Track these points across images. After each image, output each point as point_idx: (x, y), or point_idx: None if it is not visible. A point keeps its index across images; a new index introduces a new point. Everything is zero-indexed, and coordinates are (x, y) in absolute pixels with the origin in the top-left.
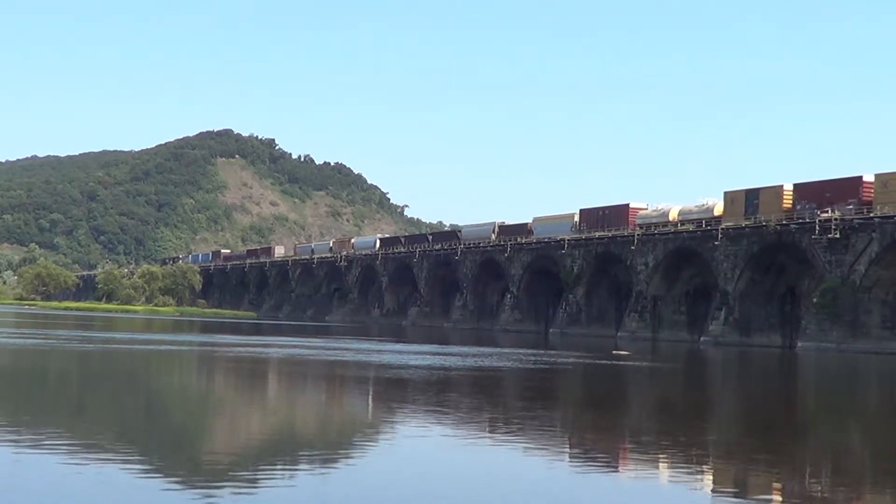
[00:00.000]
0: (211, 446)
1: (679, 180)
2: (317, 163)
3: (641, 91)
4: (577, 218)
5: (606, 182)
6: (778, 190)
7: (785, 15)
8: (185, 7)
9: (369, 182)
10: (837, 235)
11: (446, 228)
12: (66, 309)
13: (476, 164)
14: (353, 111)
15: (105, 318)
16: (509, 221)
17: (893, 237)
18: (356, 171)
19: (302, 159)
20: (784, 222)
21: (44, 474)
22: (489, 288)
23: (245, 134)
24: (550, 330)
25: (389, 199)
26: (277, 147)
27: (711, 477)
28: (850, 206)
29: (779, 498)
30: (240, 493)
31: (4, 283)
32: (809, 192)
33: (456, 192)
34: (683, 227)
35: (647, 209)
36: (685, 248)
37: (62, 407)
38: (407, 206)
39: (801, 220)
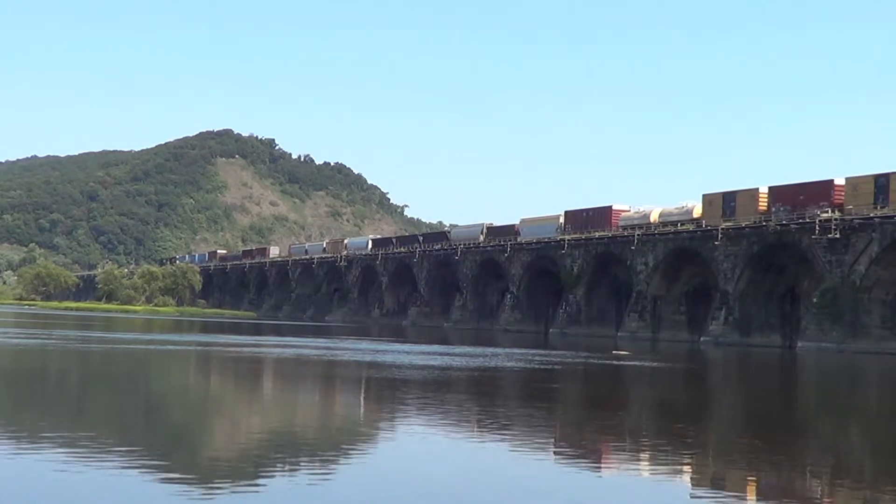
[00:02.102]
0: (211, 446)
1: (662, 183)
2: (317, 163)
3: (634, 95)
4: (562, 219)
5: (606, 183)
6: (753, 193)
7: (761, 22)
8: (185, 7)
9: (369, 182)
10: (837, 235)
11: (446, 228)
12: (66, 309)
13: (477, 164)
14: (353, 111)
15: (105, 318)
16: (498, 223)
17: (893, 237)
18: (356, 171)
19: (302, 159)
20: (784, 222)
21: (44, 474)
22: (489, 288)
23: (245, 134)
24: (550, 330)
25: (389, 199)
26: (277, 147)
27: (709, 476)
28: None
29: (779, 497)
30: (240, 493)
31: (4, 283)
32: (783, 195)
33: (456, 193)
34: (683, 227)
35: (629, 211)
36: (685, 248)
37: (62, 407)
38: (407, 206)
39: (801, 220)
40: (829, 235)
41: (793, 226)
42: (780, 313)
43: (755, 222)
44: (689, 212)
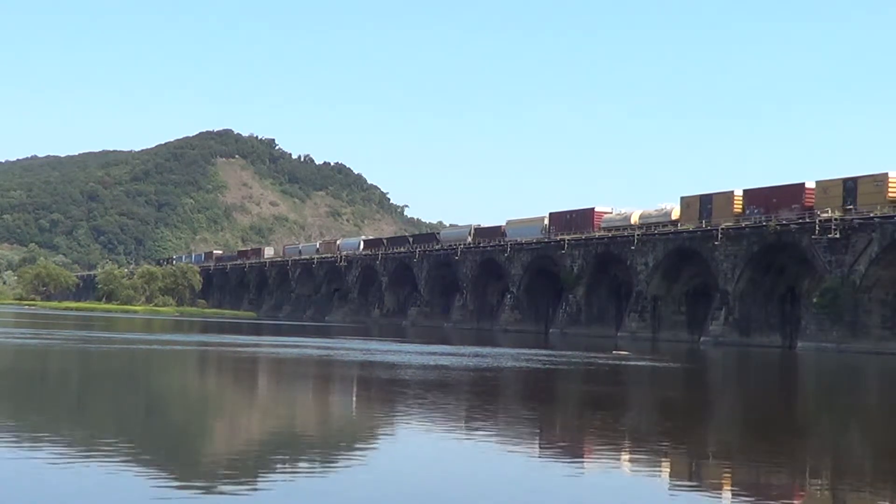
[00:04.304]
0: (211, 446)
1: (645, 184)
2: (317, 163)
3: (627, 99)
4: (546, 221)
5: (613, 184)
6: (729, 195)
7: (739, 30)
8: (185, 7)
9: (369, 182)
10: (837, 235)
11: (446, 228)
12: (66, 309)
13: (477, 164)
14: (353, 111)
15: (105, 318)
16: (496, 223)
17: (893, 237)
18: (356, 171)
19: (302, 159)
20: (784, 222)
21: (44, 474)
22: (489, 288)
23: (245, 134)
24: (550, 330)
25: (389, 199)
26: (277, 147)
27: (708, 475)
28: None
29: (778, 497)
30: (240, 493)
31: (4, 283)
32: (757, 198)
33: (456, 193)
34: (683, 227)
35: (611, 213)
36: (685, 248)
37: (62, 407)
38: (407, 206)
39: (801, 220)
40: (829, 235)
41: (793, 226)
42: (780, 313)
43: (756, 222)
44: (668, 214)
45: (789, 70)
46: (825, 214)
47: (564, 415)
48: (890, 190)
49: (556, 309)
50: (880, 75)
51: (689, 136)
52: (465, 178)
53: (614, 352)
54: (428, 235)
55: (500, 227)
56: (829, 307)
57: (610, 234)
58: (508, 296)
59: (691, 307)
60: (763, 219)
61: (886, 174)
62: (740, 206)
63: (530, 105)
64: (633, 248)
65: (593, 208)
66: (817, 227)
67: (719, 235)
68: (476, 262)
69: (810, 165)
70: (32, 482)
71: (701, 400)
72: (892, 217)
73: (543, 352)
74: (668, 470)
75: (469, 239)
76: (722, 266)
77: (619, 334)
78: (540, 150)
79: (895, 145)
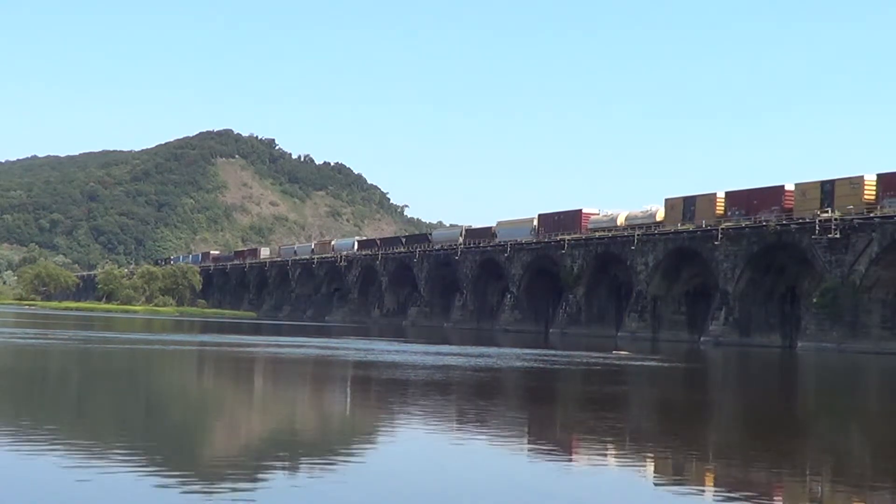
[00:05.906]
0: (211, 446)
1: (632, 186)
2: (317, 163)
3: (624, 99)
4: (535, 222)
5: (609, 184)
6: (711, 197)
7: (725, 35)
8: (185, 7)
9: (369, 182)
10: (837, 235)
11: (438, 228)
12: (66, 309)
13: (477, 164)
14: (353, 111)
15: (105, 319)
16: (476, 225)
17: (893, 237)
18: (356, 171)
19: (302, 159)
20: (784, 222)
21: (43, 474)
22: (489, 288)
23: (245, 134)
24: (550, 330)
25: (389, 199)
26: (277, 147)
27: (708, 475)
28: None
29: (778, 497)
30: (240, 493)
31: (4, 283)
32: (739, 200)
33: (456, 193)
34: (683, 227)
35: (598, 214)
36: (685, 248)
37: (62, 407)
38: (407, 206)
39: (801, 220)
40: (829, 235)
41: (793, 226)
42: (780, 313)
43: (756, 222)
44: (653, 215)
45: (774, 74)
46: (825, 214)
47: (565, 415)
48: (866, 192)
49: (556, 309)
50: (862, 80)
51: (675, 138)
52: (465, 178)
53: (614, 352)
54: (421, 236)
55: (490, 227)
56: (829, 307)
57: (610, 234)
58: (508, 296)
59: (691, 307)
60: (745, 220)
61: (862, 177)
62: (722, 208)
63: (528, 107)
64: (632, 248)
65: (580, 210)
66: (817, 227)
67: (719, 235)
68: (476, 262)
69: (799, 167)
70: (32, 482)
71: (701, 400)
72: (892, 217)
73: (544, 352)
74: (670, 470)
75: (461, 240)
76: (722, 266)
77: (618, 334)
78: (532, 152)
79: (872, 149)
